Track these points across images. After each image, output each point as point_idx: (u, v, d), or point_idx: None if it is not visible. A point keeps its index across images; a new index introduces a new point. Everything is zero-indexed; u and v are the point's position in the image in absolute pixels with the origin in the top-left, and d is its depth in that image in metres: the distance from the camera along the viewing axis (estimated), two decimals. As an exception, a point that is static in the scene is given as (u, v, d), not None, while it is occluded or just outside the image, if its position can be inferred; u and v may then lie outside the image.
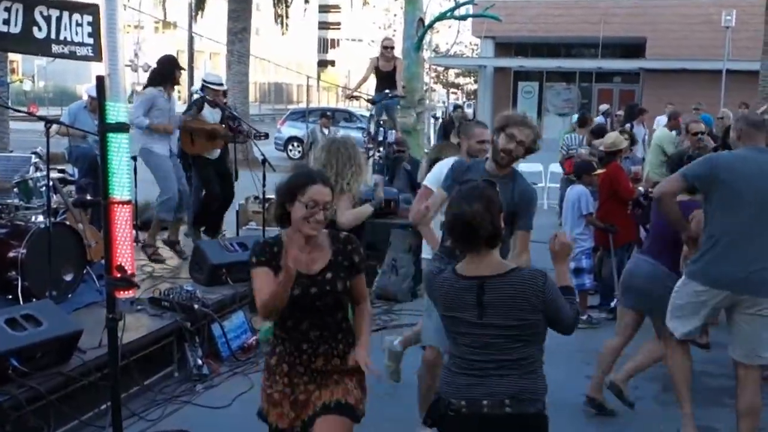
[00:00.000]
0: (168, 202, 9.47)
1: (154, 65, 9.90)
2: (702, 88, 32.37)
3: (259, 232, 11.11)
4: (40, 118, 8.46)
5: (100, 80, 5.04)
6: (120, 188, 5.00)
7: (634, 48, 41.30)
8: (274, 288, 3.80)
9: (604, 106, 22.94)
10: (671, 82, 36.34)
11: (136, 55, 46.04)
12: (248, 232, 10.92)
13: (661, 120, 20.62)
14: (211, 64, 51.84)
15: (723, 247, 5.40)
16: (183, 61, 29.68)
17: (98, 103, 5.12)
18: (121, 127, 5.02)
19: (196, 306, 7.46)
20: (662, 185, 5.86)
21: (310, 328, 4.03)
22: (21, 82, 51.74)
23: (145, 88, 9.53)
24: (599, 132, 13.62)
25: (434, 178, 6.34)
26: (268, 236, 4.20)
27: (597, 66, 41.12)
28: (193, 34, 27.07)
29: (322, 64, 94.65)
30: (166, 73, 9.55)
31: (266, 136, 12.03)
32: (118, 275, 5.01)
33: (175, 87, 9.81)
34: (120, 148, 4.99)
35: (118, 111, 5.01)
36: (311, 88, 46.48)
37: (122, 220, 5.05)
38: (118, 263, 5.02)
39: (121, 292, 5.10)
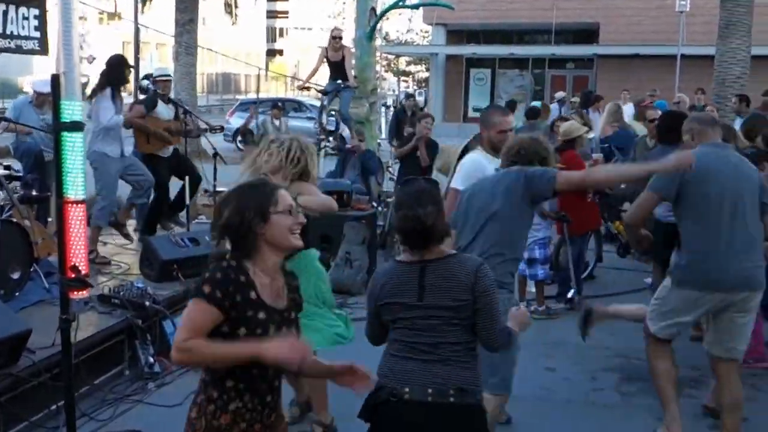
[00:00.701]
0: (106, 209, 9.42)
1: (103, 66, 9.72)
2: (656, 73, 32.46)
3: (209, 225, 11.00)
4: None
5: (55, 79, 4.94)
6: (74, 188, 4.93)
7: (587, 34, 41.41)
8: (231, 350, 3.22)
9: (560, 94, 22.94)
10: (625, 67, 36.42)
11: (80, 47, 45.46)
12: (198, 226, 10.78)
13: (617, 106, 20.64)
14: (157, 54, 51.32)
15: (712, 250, 5.31)
16: (129, 52, 29.42)
17: (53, 101, 5.03)
18: (76, 126, 4.93)
19: (147, 303, 7.34)
20: (634, 211, 5.81)
21: (275, 376, 3.41)
22: (-38, 76, 50.77)
23: (95, 89, 9.35)
24: (532, 114, 13.82)
25: (462, 179, 6.14)
26: (221, 254, 3.36)
27: (550, 52, 41.17)
28: (138, 26, 26.69)
29: (271, 53, 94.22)
30: (118, 75, 9.42)
31: (222, 129, 12.02)
32: (72, 275, 4.91)
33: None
34: (75, 146, 4.92)
35: (73, 109, 4.92)
36: (260, 79, 46.18)
37: (76, 219, 4.98)
38: (72, 263, 4.93)
39: (75, 293, 5.02)
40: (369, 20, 14.07)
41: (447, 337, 3.74)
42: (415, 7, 15.35)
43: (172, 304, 7.77)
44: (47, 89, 10.00)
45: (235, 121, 29.52)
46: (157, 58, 48.79)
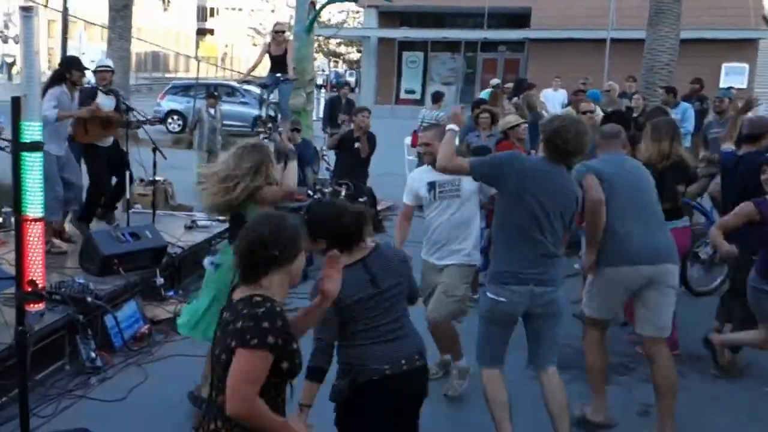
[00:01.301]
0: (52, 203, 9.23)
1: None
2: (587, 57, 32.55)
3: (146, 216, 10.98)
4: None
5: (16, 101, 4.99)
6: (33, 206, 5.01)
7: (520, 18, 41.44)
8: (279, 428, 3.27)
9: (494, 81, 23.07)
10: (556, 51, 36.45)
11: (6, 26, 44.51)
12: (135, 217, 10.70)
13: (548, 93, 20.76)
14: (86, 34, 50.28)
15: (633, 229, 5.88)
16: (56, 32, 28.69)
17: (13, 122, 5.06)
18: (35, 146, 5.00)
19: (89, 299, 7.32)
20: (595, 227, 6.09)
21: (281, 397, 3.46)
22: None
23: (47, 87, 9.33)
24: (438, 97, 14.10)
25: (406, 193, 6.78)
26: (269, 304, 3.27)
27: (482, 36, 41.18)
28: (66, 6, 26.17)
29: (201, 32, 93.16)
30: (57, 74, 9.46)
31: (161, 121, 12.09)
32: (29, 289, 5.00)
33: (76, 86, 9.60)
34: (34, 166, 4.99)
35: (33, 130, 4.99)
36: (193, 63, 45.72)
37: (34, 236, 5.09)
38: (30, 278, 5.02)
39: (31, 305, 5.11)
40: (308, 13, 14.13)
41: (399, 311, 4.36)
42: (355, 0, 15.36)
43: (113, 298, 7.79)
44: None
45: (166, 104, 29.30)
46: (86, 38, 47.87)
